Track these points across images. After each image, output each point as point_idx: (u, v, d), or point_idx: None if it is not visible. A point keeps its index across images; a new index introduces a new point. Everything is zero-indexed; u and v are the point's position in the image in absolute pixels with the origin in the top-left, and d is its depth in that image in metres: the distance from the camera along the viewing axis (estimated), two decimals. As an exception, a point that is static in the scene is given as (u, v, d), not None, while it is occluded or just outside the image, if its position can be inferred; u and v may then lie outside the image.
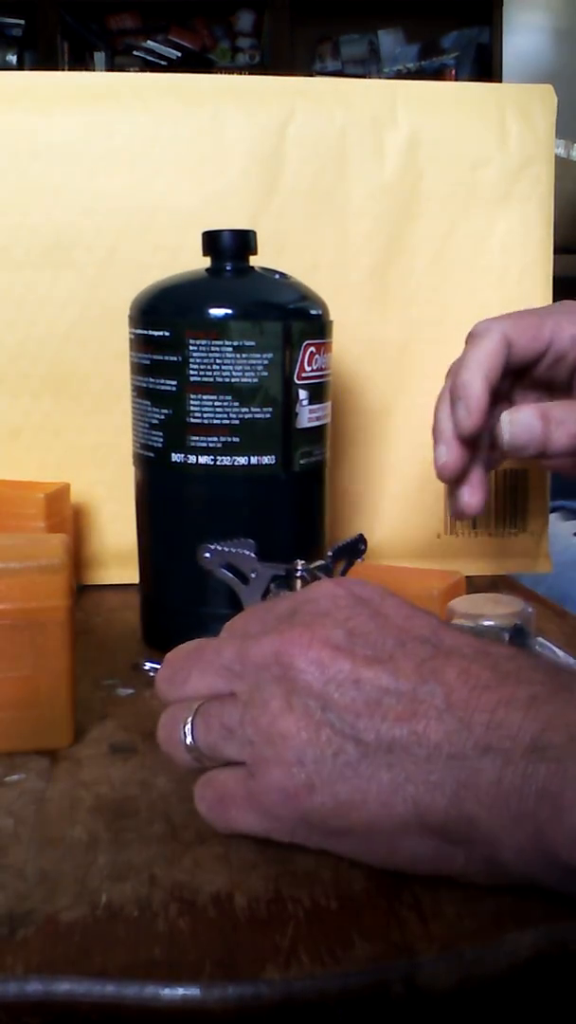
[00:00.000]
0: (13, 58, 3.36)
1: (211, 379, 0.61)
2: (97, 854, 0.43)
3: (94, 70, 3.32)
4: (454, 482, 0.64)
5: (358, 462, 0.82)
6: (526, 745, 0.36)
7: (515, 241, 0.82)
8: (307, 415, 0.63)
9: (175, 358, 0.61)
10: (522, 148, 0.81)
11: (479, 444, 0.64)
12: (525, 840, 0.35)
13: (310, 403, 0.63)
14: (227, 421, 0.61)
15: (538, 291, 0.82)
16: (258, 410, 0.61)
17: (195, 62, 3.40)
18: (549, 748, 0.35)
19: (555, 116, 0.81)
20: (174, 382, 0.61)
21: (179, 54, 3.43)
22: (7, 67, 3.27)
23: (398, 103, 0.79)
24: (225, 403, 0.61)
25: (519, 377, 0.67)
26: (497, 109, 0.81)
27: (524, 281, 0.82)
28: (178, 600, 0.64)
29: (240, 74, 2.86)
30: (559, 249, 0.86)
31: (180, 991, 0.35)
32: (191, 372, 0.61)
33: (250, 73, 3.11)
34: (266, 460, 0.62)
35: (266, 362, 0.61)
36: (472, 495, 0.64)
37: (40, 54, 3.33)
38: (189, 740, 0.43)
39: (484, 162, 0.80)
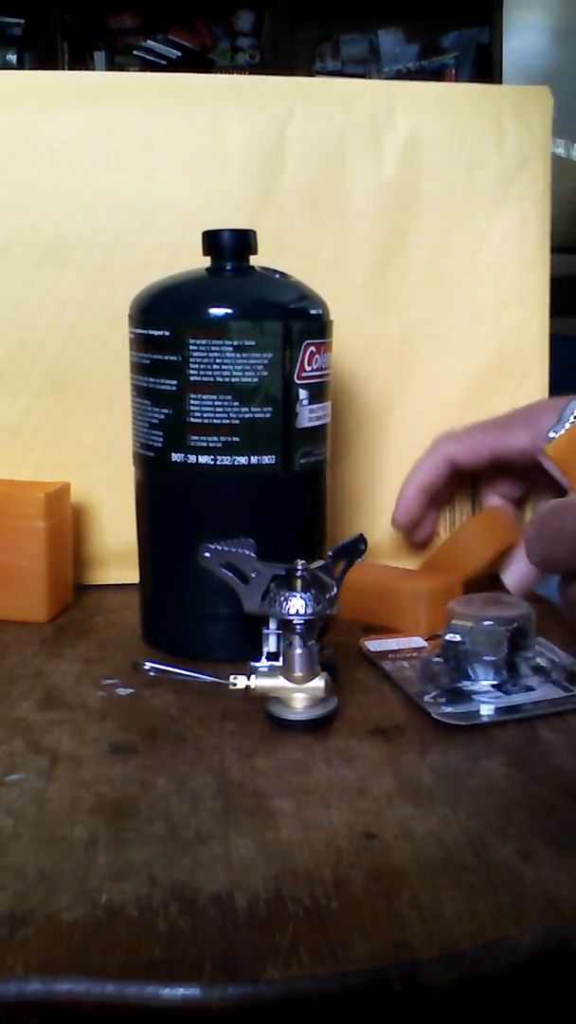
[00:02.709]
0: (13, 58, 3.36)
1: (211, 379, 0.61)
2: (97, 854, 0.43)
3: (94, 70, 3.32)
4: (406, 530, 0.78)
5: (358, 462, 0.82)
6: None
7: (512, 241, 0.82)
8: (307, 415, 0.63)
9: (175, 358, 0.61)
10: (519, 148, 0.81)
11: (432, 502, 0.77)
12: None
13: (310, 403, 0.63)
14: (227, 421, 0.61)
15: (535, 290, 0.82)
16: (258, 410, 0.61)
17: (195, 62, 3.40)
18: None
19: (551, 117, 0.82)
20: (174, 382, 0.61)
21: (179, 54, 3.43)
22: (7, 67, 3.27)
23: (397, 104, 0.79)
24: (225, 403, 0.61)
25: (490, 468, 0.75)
26: (494, 110, 0.81)
27: (521, 280, 0.82)
28: (178, 600, 0.64)
29: (240, 74, 2.85)
30: (558, 248, 0.86)
31: (180, 991, 0.35)
32: (191, 372, 0.61)
33: (250, 73, 3.10)
34: (266, 460, 0.62)
35: (266, 362, 0.61)
36: (419, 536, 0.79)
37: (40, 54, 3.33)
38: None
39: (482, 162, 0.81)
